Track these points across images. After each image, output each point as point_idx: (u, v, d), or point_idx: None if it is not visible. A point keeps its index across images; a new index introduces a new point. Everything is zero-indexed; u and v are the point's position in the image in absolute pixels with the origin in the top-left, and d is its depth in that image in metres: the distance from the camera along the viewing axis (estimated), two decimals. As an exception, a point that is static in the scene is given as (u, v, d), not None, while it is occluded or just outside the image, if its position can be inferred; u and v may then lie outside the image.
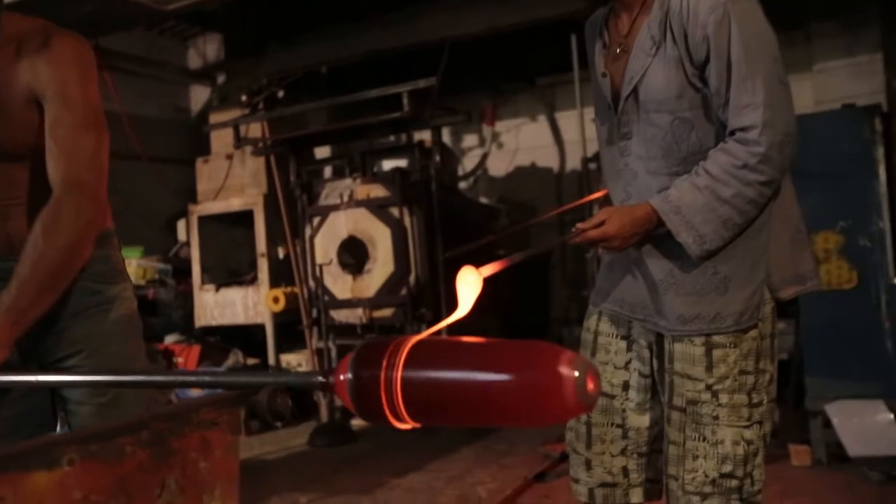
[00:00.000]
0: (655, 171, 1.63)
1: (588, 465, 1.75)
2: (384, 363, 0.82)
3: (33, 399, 1.67)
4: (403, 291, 4.77)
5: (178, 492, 0.88)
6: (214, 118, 6.00)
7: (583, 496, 1.77)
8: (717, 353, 1.60)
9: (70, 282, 1.52)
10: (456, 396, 0.80)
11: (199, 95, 7.12)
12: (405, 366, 0.80)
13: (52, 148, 1.51)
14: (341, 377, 0.86)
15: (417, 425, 0.82)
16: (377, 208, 4.86)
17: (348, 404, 0.86)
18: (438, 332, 0.90)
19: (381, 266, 4.85)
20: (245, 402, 0.97)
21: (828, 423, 3.50)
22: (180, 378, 0.97)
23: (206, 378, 0.96)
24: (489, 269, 1.12)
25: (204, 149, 6.20)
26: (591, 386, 0.74)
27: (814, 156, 3.44)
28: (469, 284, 0.95)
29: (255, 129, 5.53)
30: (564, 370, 0.74)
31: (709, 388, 1.60)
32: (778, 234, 1.61)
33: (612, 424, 1.74)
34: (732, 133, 1.52)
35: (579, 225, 1.60)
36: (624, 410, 1.74)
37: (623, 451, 1.74)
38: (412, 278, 4.80)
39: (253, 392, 0.95)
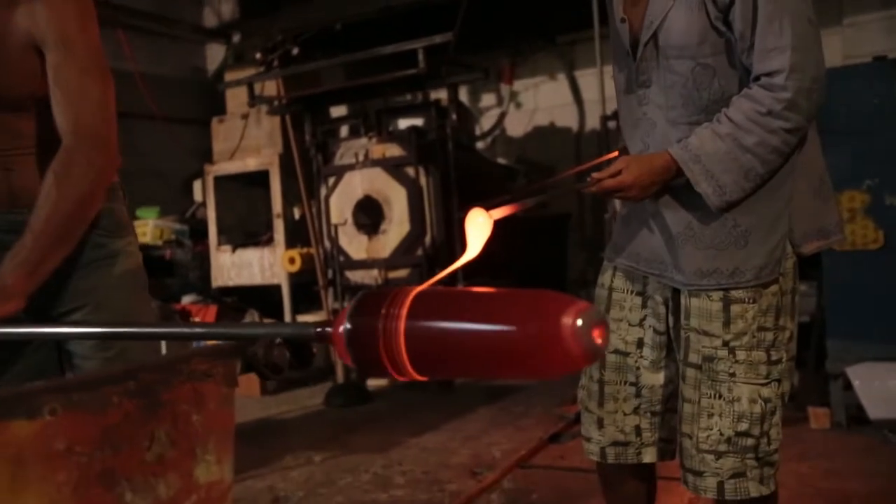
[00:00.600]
0: (675, 121, 1.56)
1: (600, 424, 1.71)
2: (383, 313, 0.78)
3: (41, 355, 1.66)
4: (419, 252, 4.74)
5: (168, 444, 0.84)
6: (229, 77, 5.94)
7: (594, 455, 1.73)
8: (735, 308, 1.54)
9: (83, 232, 1.51)
10: (458, 347, 0.76)
11: (215, 55, 7.06)
12: (406, 316, 0.76)
13: (58, 95, 1.47)
14: (339, 329, 0.82)
15: (418, 377, 0.79)
16: (392, 168, 4.81)
17: (344, 356, 0.82)
18: (453, 275, 0.86)
19: (396, 226, 4.81)
20: (240, 354, 0.93)
21: (848, 386, 3.45)
22: (172, 330, 0.94)
23: (199, 329, 0.92)
24: (500, 212, 1.07)
25: (220, 109, 6.16)
26: (596, 336, 0.70)
27: (841, 111, 3.33)
28: (478, 226, 0.90)
29: (270, 89, 5.47)
30: (567, 319, 0.70)
31: (726, 344, 1.55)
32: (801, 185, 1.55)
33: (625, 382, 1.70)
34: (757, 78, 1.45)
35: (595, 174, 1.54)
36: (638, 368, 1.70)
37: (636, 410, 1.70)
38: (428, 239, 4.76)
39: (248, 344, 0.92)
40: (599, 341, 0.71)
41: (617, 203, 1.80)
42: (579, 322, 0.69)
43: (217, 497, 0.89)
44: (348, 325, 0.81)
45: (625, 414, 1.70)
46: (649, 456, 1.71)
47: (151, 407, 0.81)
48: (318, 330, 0.87)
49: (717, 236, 1.55)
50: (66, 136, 1.46)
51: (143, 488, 0.79)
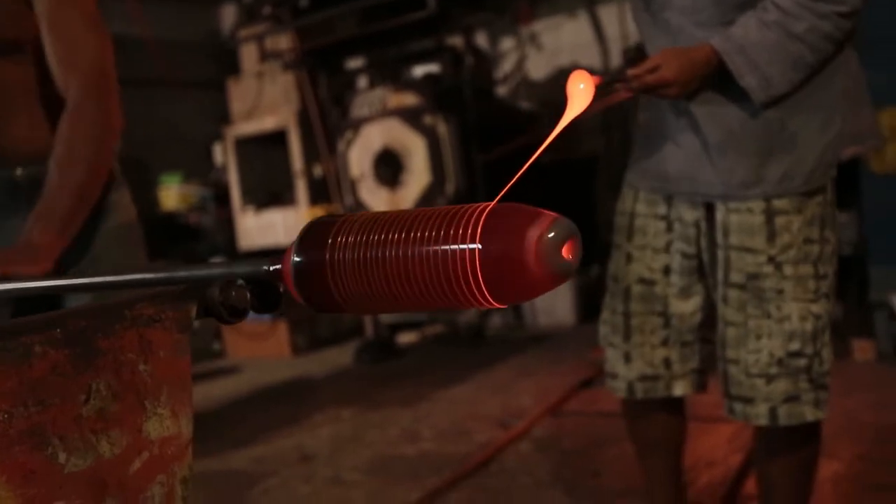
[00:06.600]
0: (705, 23, 1.41)
1: (627, 358, 1.60)
2: (329, 243, 0.68)
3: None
4: (441, 202, 4.63)
5: (110, 398, 0.75)
6: (242, 34, 5.84)
7: (621, 391, 1.63)
8: (779, 220, 1.42)
9: (102, 188, 1.45)
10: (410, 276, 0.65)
11: (230, 17, 6.96)
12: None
13: (57, 48, 1.39)
14: (287, 264, 0.72)
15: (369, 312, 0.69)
16: (409, 117, 4.68)
17: (292, 291, 0.73)
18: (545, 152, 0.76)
19: (416, 177, 4.71)
20: (192, 297, 0.83)
21: (893, 315, 3.30)
22: (118, 278, 0.85)
23: (137, 276, 0.83)
24: (598, 79, 0.95)
25: (236, 70, 6.08)
26: (566, 252, 0.58)
27: (882, 20, 3.10)
28: (580, 92, 0.80)
29: (284, 45, 5.36)
30: (534, 232, 0.58)
31: (771, 259, 1.43)
32: (841, 85, 1.41)
33: (652, 313, 1.58)
34: None
35: (631, 71, 1.39)
36: (665, 297, 1.58)
37: (664, 342, 1.58)
38: (449, 188, 4.65)
39: (205, 286, 0.83)
40: (569, 258, 0.60)
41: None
42: (549, 235, 0.58)
43: (174, 453, 0.81)
44: (296, 259, 0.72)
45: (653, 346, 1.59)
46: (680, 388, 1.60)
47: (86, 356, 0.72)
48: (267, 268, 0.78)
49: (763, 141, 1.42)
50: (72, 88, 1.38)
51: (80, 447, 0.71)
